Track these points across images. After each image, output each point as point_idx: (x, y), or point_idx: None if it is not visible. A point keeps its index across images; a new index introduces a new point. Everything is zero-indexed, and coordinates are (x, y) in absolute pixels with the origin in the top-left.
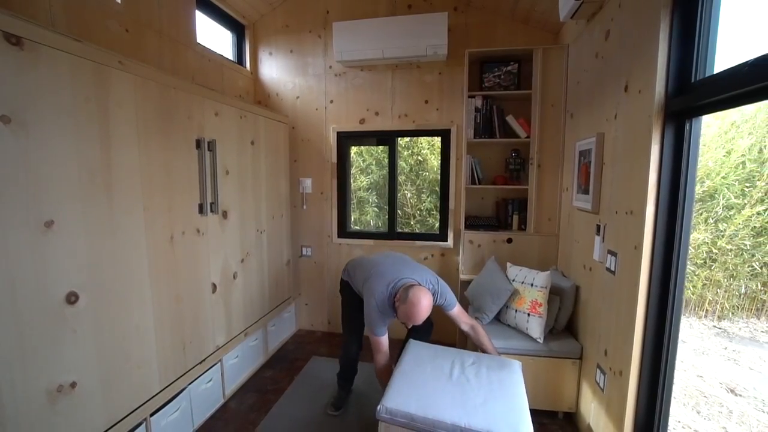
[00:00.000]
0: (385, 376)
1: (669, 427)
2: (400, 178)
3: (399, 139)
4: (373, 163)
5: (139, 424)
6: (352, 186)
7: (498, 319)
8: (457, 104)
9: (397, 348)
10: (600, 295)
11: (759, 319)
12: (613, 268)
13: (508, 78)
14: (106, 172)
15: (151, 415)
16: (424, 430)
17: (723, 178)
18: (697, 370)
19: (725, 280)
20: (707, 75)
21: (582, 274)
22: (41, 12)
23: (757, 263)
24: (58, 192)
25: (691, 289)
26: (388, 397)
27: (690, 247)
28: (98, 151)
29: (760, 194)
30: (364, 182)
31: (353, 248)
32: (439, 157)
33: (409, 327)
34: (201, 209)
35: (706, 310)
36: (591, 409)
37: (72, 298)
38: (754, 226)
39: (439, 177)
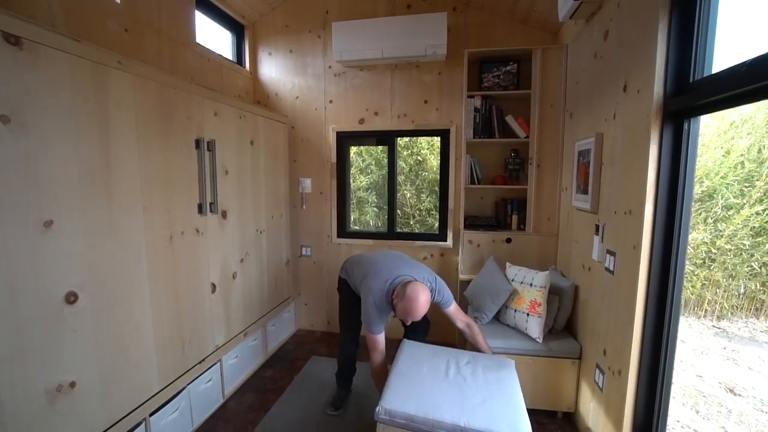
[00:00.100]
0: (380, 375)
1: (668, 427)
2: (400, 178)
3: (398, 139)
4: (373, 163)
5: (139, 424)
6: (351, 186)
7: (497, 318)
8: (456, 104)
9: (394, 348)
10: (599, 294)
11: (758, 318)
12: (612, 268)
13: (507, 78)
14: (105, 171)
15: (151, 414)
16: (424, 431)
17: (722, 178)
18: (697, 369)
19: (724, 279)
20: (705, 75)
21: (581, 273)
22: (40, 12)
23: (756, 263)
24: (57, 192)
25: (691, 288)
26: (386, 399)
27: (689, 247)
28: (98, 151)
29: (759, 194)
30: (364, 182)
31: (353, 248)
32: (439, 157)
33: (408, 324)
34: (200, 209)
35: (706, 309)
36: (590, 409)
37: (71, 298)
38: (753, 226)
39: (438, 177)
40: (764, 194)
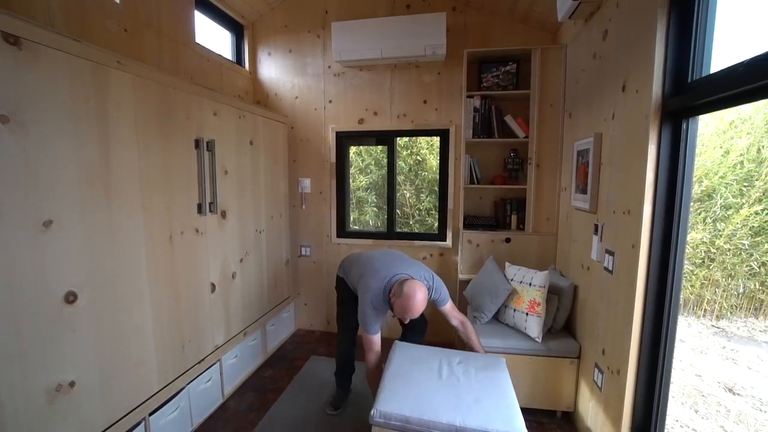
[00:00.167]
0: (375, 376)
1: (666, 426)
2: (399, 178)
3: (398, 139)
4: (372, 162)
5: (138, 424)
6: (351, 186)
7: (496, 318)
8: (455, 104)
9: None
10: (598, 294)
11: (757, 318)
12: (610, 268)
13: (506, 78)
14: (105, 171)
15: (150, 414)
16: None
17: (721, 177)
18: (696, 369)
19: (723, 279)
20: (704, 75)
21: (580, 273)
22: (40, 12)
23: (755, 263)
24: (57, 191)
25: (690, 288)
26: (380, 401)
27: (689, 247)
28: (97, 151)
29: (758, 194)
30: (363, 182)
31: (352, 248)
32: (438, 157)
33: (406, 322)
34: (200, 209)
35: (705, 309)
36: (589, 408)
37: (71, 298)
38: (752, 226)
39: (437, 177)
40: (763, 194)
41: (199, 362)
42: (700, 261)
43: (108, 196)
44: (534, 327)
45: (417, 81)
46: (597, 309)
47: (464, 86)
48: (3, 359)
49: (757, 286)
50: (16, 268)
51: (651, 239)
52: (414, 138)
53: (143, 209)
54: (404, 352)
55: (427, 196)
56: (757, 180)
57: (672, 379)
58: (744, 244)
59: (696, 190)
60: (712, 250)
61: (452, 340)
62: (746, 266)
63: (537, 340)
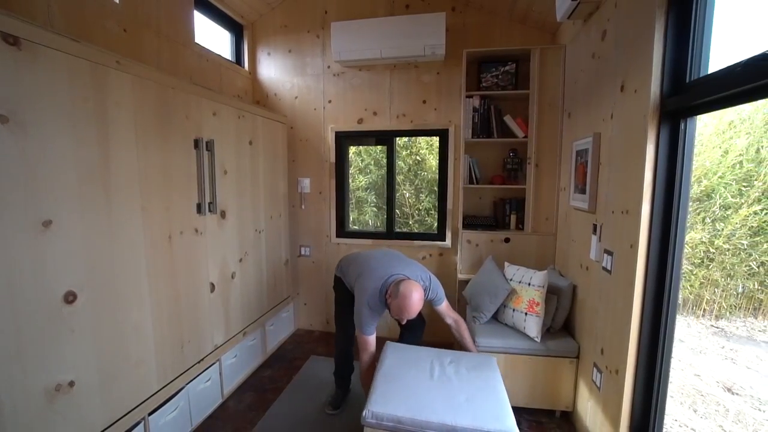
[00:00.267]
0: (369, 376)
1: (665, 425)
2: (399, 178)
3: (397, 139)
4: (372, 162)
5: (138, 423)
6: (350, 186)
7: (495, 318)
8: (455, 104)
9: None
10: (597, 294)
11: (756, 318)
12: (609, 267)
13: (505, 78)
14: (104, 171)
15: (150, 414)
16: None
17: (720, 177)
18: (695, 369)
19: (723, 279)
20: (702, 75)
21: (579, 273)
22: (39, 12)
23: (755, 262)
24: (56, 191)
25: (689, 288)
26: (372, 402)
27: (688, 247)
28: (96, 151)
29: (757, 194)
30: (363, 182)
31: (352, 248)
32: (437, 157)
33: (403, 323)
34: (199, 209)
35: (704, 309)
36: (588, 408)
37: (70, 298)
38: (751, 226)
39: (437, 177)
40: (762, 194)
41: (199, 362)
42: (699, 261)
43: (107, 196)
44: (533, 327)
45: (416, 81)
46: (596, 309)
47: (463, 86)
48: (2, 359)
49: (756, 286)
50: (16, 267)
51: (649, 239)
52: (413, 138)
53: (143, 209)
54: (396, 353)
55: (426, 196)
56: (756, 180)
57: (671, 379)
58: (743, 244)
59: (695, 190)
60: (711, 250)
61: (450, 340)
62: (745, 266)
63: (536, 339)
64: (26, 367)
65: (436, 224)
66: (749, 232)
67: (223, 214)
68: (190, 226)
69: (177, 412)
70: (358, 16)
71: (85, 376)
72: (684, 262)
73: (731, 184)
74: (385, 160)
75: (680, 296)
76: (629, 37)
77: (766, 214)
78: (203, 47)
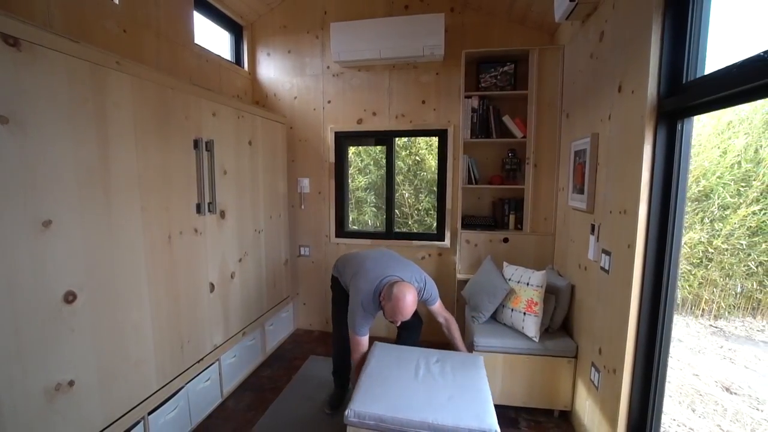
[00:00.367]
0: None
1: (662, 424)
2: (398, 178)
3: (396, 139)
4: (371, 163)
5: (137, 423)
6: (350, 186)
7: (494, 318)
8: (454, 104)
9: None
10: (595, 294)
11: (755, 317)
12: (607, 267)
13: (504, 78)
14: (104, 171)
15: (149, 413)
16: (394, 431)
17: (719, 177)
18: (693, 368)
19: (721, 279)
20: (698, 76)
21: (577, 273)
22: (39, 13)
23: (753, 262)
24: (56, 192)
25: (688, 288)
26: (355, 401)
27: (687, 247)
28: (96, 151)
29: (755, 194)
30: (362, 182)
31: (351, 248)
32: (437, 157)
33: (398, 324)
34: (199, 209)
35: (703, 309)
36: (586, 407)
37: (70, 297)
38: (750, 226)
39: (436, 177)
40: (761, 194)
41: (198, 362)
42: (698, 261)
43: (107, 196)
44: (531, 326)
45: (415, 81)
46: (594, 308)
47: (462, 86)
48: (2, 358)
49: (755, 286)
50: (16, 267)
51: (646, 239)
52: (413, 138)
53: (142, 209)
54: (383, 353)
55: (425, 196)
56: (754, 180)
57: (670, 379)
58: (742, 244)
59: (694, 190)
60: (710, 250)
61: (449, 340)
62: (744, 266)
63: (534, 339)
64: (26, 367)
65: (435, 224)
66: (748, 232)
67: (222, 214)
68: (189, 226)
69: (176, 412)
70: (357, 17)
71: (84, 375)
72: (683, 262)
73: (730, 184)
74: (384, 161)
75: (679, 296)
76: (626, 37)
77: (764, 214)
78: (203, 48)
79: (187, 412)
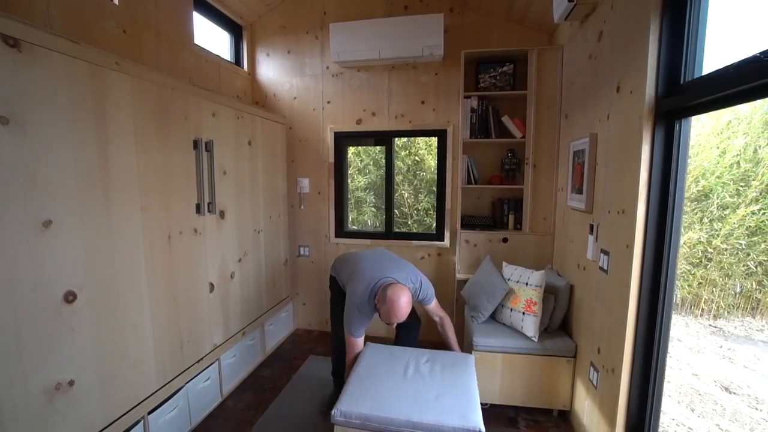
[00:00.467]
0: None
1: (663, 424)
2: (398, 178)
3: (396, 139)
4: (371, 163)
5: (137, 422)
6: (349, 186)
7: (493, 317)
8: (453, 105)
9: None
10: (593, 293)
11: (754, 317)
12: (605, 267)
13: (503, 78)
14: (103, 172)
15: (149, 413)
16: (379, 429)
17: (718, 177)
18: (693, 368)
19: (721, 279)
20: (696, 76)
21: (576, 273)
22: (39, 13)
23: (752, 262)
24: (56, 192)
25: (687, 288)
26: (342, 401)
27: (686, 247)
28: (96, 152)
29: (754, 194)
30: (362, 182)
31: (350, 248)
32: (436, 158)
33: (393, 326)
34: (198, 209)
35: (702, 309)
36: (585, 407)
37: (70, 297)
38: (749, 226)
39: (435, 177)
40: (760, 194)
41: (198, 361)
42: (698, 261)
43: (107, 196)
44: (530, 326)
45: (415, 81)
46: (592, 308)
47: (461, 87)
48: (2, 358)
49: (754, 286)
50: (16, 267)
51: (645, 239)
52: (412, 138)
53: (142, 210)
54: (374, 353)
55: (425, 197)
56: (753, 180)
57: (669, 378)
58: (741, 244)
59: (693, 190)
60: (709, 250)
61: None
62: (743, 266)
63: (533, 339)
64: (26, 367)
65: (434, 224)
66: (747, 231)
67: (222, 215)
68: (189, 227)
69: (176, 412)
70: (356, 17)
71: (84, 375)
72: (682, 261)
73: (729, 184)
74: (383, 161)
75: (678, 296)
76: (625, 38)
77: (763, 213)
78: (202, 48)
79: (187, 412)
